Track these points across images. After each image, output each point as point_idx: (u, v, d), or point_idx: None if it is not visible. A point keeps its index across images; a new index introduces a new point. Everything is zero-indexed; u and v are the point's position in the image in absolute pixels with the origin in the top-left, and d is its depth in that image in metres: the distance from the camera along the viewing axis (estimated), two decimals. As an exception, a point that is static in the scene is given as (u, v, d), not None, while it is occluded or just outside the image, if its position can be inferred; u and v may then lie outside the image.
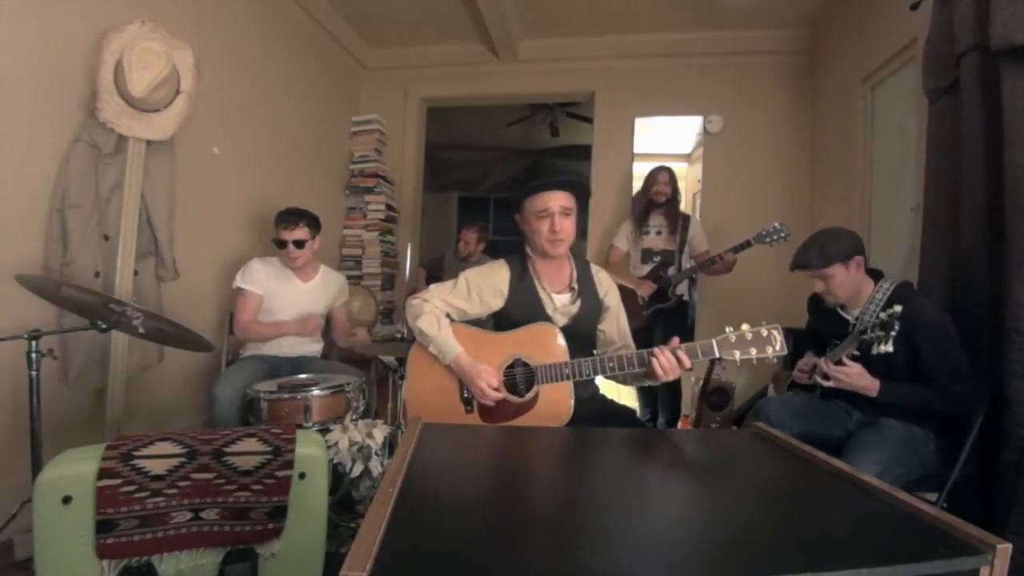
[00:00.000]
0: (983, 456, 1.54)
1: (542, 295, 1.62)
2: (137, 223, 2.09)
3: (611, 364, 1.43)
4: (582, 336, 1.64)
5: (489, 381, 1.48)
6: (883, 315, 1.48)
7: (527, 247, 1.67)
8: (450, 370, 1.54)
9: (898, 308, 1.44)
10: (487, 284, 1.62)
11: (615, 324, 1.69)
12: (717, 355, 1.34)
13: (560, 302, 1.63)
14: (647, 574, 0.62)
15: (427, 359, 1.58)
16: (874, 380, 1.56)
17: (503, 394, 1.50)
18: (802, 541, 0.72)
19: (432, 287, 1.65)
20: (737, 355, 1.34)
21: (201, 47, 2.24)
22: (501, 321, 1.65)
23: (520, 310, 1.60)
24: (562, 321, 1.61)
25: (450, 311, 1.62)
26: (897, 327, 1.44)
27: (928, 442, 1.57)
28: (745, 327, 1.35)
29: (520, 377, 1.52)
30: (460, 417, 1.55)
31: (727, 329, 1.36)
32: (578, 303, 1.63)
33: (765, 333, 1.33)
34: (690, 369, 1.39)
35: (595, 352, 1.68)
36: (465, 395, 1.56)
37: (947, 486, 1.50)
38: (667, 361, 1.36)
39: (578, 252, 1.71)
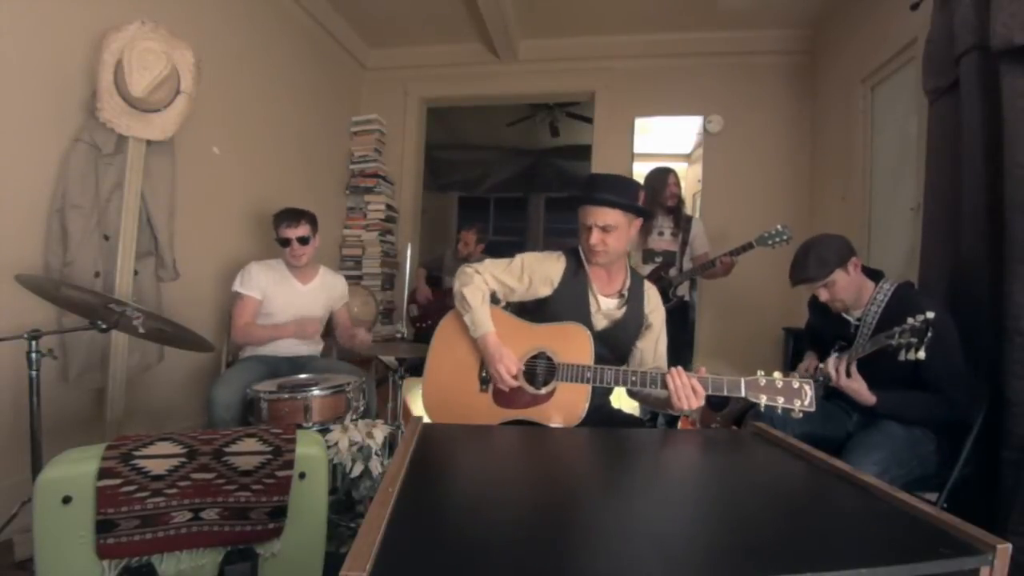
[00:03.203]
0: (983, 456, 1.54)
1: (590, 295, 1.62)
2: (137, 223, 2.09)
3: (633, 378, 1.41)
4: (618, 345, 1.63)
5: (509, 367, 1.48)
6: (913, 321, 1.42)
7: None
8: (476, 347, 1.56)
9: (931, 314, 1.39)
10: (541, 271, 1.63)
11: (653, 345, 1.67)
12: (743, 395, 1.31)
13: (606, 305, 1.63)
14: (647, 574, 0.62)
15: (458, 328, 1.60)
16: (871, 396, 1.55)
17: (519, 383, 1.50)
18: (802, 541, 0.72)
19: (487, 261, 1.66)
20: (764, 399, 1.30)
21: (201, 47, 2.24)
22: (540, 310, 1.64)
23: (564, 304, 1.60)
24: (602, 324, 1.61)
25: (498, 288, 1.63)
26: (931, 334, 1.39)
27: (928, 442, 1.57)
28: (777, 375, 1.31)
29: (541, 369, 1.52)
30: (473, 393, 1.55)
31: (759, 373, 1.32)
32: (623, 311, 1.63)
33: (796, 386, 1.29)
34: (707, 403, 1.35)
35: (625, 366, 1.67)
36: (483, 374, 1.57)
37: (947, 486, 1.50)
38: (680, 383, 1.32)
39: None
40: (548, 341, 1.54)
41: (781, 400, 1.29)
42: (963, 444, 1.51)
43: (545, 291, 1.62)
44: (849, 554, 0.66)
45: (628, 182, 1.61)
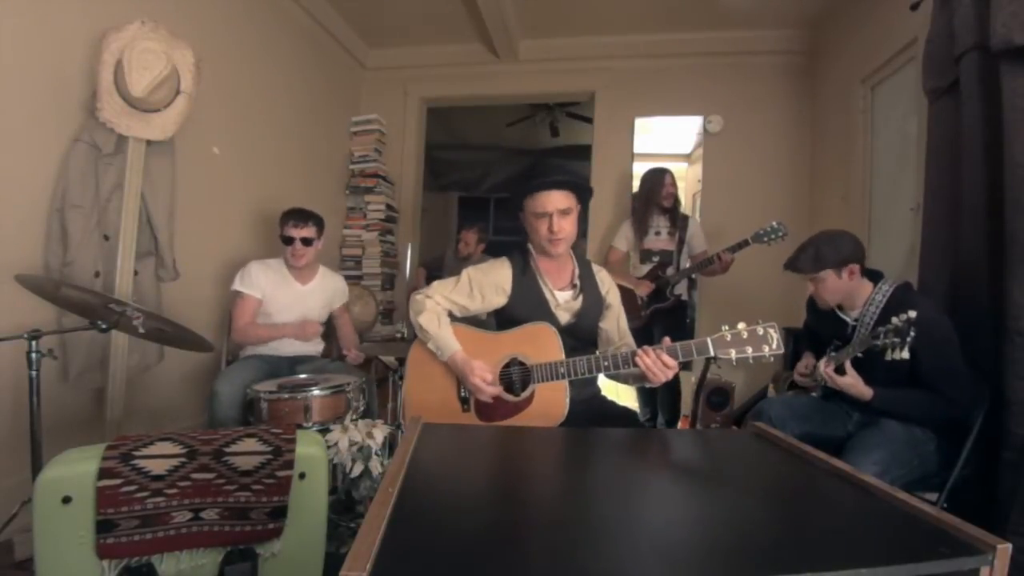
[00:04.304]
0: (983, 456, 1.54)
1: (545, 291, 1.62)
2: (137, 223, 2.09)
3: (606, 363, 1.43)
4: (585, 334, 1.64)
5: (483, 376, 1.48)
6: (897, 321, 1.44)
7: (529, 244, 1.67)
8: (448, 368, 1.55)
9: (912, 314, 1.41)
10: (489, 281, 1.63)
11: (615, 322, 1.69)
12: (712, 353, 1.33)
13: (563, 298, 1.63)
14: (647, 574, 0.62)
15: (426, 356, 1.59)
16: (867, 389, 1.56)
17: (498, 389, 1.50)
18: (802, 541, 0.72)
19: (435, 284, 1.65)
20: (733, 353, 1.32)
21: (201, 47, 2.24)
22: (504, 318, 1.64)
23: (523, 307, 1.60)
24: (566, 318, 1.61)
25: (452, 308, 1.62)
26: (913, 333, 1.41)
27: (928, 442, 1.57)
28: (741, 325, 1.33)
29: (516, 376, 1.53)
30: (456, 415, 1.55)
31: (723, 327, 1.34)
32: (580, 299, 1.63)
33: (761, 332, 1.31)
34: (682, 367, 1.37)
35: (596, 351, 1.68)
36: (462, 394, 1.56)
37: (947, 486, 1.50)
38: (651, 360, 1.34)
39: (579, 252, 1.72)
40: (517, 346, 1.54)
41: (750, 350, 1.31)
42: (963, 444, 1.51)
43: (500, 300, 1.62)
44: (849, 554, 0.66)
45: (567, 169, 1.63)
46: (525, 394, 1.51)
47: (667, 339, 1.39)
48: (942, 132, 1.87)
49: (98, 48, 1.96)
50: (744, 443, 1.20)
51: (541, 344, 1.52)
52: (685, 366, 2.54)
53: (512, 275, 1.63)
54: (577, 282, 1.65)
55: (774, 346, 1.31)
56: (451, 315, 1.63)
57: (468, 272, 1.65)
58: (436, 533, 0.70)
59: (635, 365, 1.38)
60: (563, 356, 1.49)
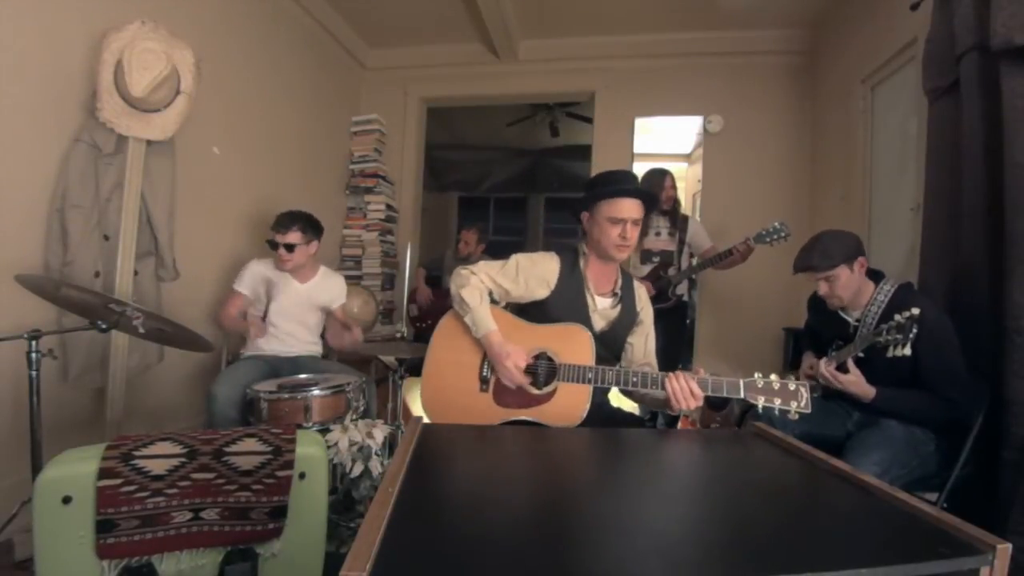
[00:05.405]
0: (983, 456, 1.54)
1: (587, 294, 1.63)
2: (137, 223, 2.09)
3: (634, 379, 1.42)
4: (614, 344, 1.65)
5: (517, 362, 1.48)
6: (899, 318, 1.45)
7: (583, 244, 1.68)
8: (476, 346, 1.56)
9: (916, 311, 1.42)
10: (536, 272, 1.63)
11: (644, 341, 1.69)
12: (742, 395, 1.32)
13: (602, 304, 1.64)
14: (647, 574, 0.62)
15: (458, 330, 1.59)
16: (870, 388, 1.56)
17: (527, 379, 1.50)
18: (802, 541, 0.72)
19: (481, 263, 1.66)
20: (761, 400, 1.32)
21: (201, 47, 2.24)
22: (539, 311, 1.64)
23: (563, 305, 1.61)
24: (601, 324, 1.62)
25: (494, 289, 1.63)
26: (915, 330, 1.42)
27: (928, 442, 1.57)
28: (774, 377, 1.33)
29: (542, 370, 1.53)
30: (473, 393, 1.55)
31: (756, 374, 1.34)
32: (618, 309, 1.64)
33: (793, 387, 1.31)
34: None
35: (619, 365, 1.68)
36: (484, 373, 1.56)
37: (947, 486, 1.50)
38: (679, 386, 1.34)
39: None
40: (549, 342, 1.54)
41: (778, 402, 1.31)
42: (963, 444, 1.51)
43: (542, 293, 1.62)
44: (849, 554, 0.67)
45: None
46: (548, 389, 1.51)
47: (701, 370, 1.39)
48: (942, 132, 1.87)
49: (98, 48, 1.96)
50: (744, 443, 1.21)
51: (574, 345, 1.52)
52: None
53: (559, 271, 1.63)
54: (619, 291, 1.66)
55: (803, 404, 1.30)
56: (490, 296, 1.63)
57: (517, 258, 1.65)
58: (436, 533, 0.70)
59: (663, 388, 1.37)
60: (593, 362, 1.49)
